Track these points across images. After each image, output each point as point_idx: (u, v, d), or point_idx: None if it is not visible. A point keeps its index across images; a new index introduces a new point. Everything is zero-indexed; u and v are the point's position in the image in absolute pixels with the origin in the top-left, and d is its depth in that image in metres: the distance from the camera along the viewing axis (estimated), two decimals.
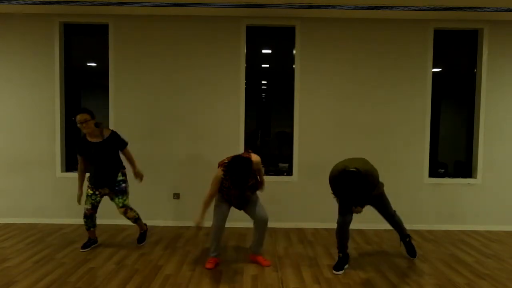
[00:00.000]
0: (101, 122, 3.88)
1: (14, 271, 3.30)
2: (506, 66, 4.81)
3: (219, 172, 3.36)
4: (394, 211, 3.65)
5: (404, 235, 3.76)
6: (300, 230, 4.73)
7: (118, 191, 3.80)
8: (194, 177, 4.84)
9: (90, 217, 3.84)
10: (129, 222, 4.75)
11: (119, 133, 3.87)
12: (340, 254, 3.48)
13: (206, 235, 4.48)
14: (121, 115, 4.83)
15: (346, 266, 3.47)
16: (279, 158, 5.09)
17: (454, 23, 4.78)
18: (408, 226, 4.67)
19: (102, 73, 4.89)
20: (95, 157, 3.73)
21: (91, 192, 3.81)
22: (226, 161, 3.36)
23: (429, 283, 3.20)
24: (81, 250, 3.84)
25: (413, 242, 3.86)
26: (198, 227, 3.25)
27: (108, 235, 4.36)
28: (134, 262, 3.55)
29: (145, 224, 4.13)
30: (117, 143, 3.81)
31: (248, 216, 3.56)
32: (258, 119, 5.22)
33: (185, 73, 4.81)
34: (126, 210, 3.83)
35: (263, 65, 5.25)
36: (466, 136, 5.07)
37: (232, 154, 3.47)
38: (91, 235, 3.95)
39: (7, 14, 4.75)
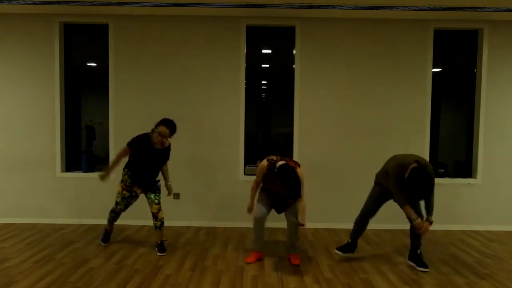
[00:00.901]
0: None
1: (14, 271, 3.30)
2: (506, 66, 4.81)
3: (264, 163, 3.49)
4: (421, 213, 3.48)
5: (417, 248, 3.57)
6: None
7: (156, 189, 3.84)
8: (194, 177, 4.84)
9: (118, 214, 3.96)
10: (128, 222, 4.75)
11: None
12: (350, 240, 3.74)
13: (206, 234, 4.48)
14: (121, 115, 4.83)
15: (350, 253, 3.71)
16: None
17: (454, 23, 4.78)
18: (408, 226, 4.67)
19: (102, 73, 4.89)
20: (149, 161, 3.71)
21: (128, 194, 3.82)
22: (274, 159, 3.47)
23: (429, 283, 3.20)
24: (102, 243, 3.99)
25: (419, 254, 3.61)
26: (250, 211, 3.63)
27: None
28: (134, 262, 3.55)
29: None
30: (167, 155, 3.86)
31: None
32: (258, 119, 5.22)
33: (185, 73, 4.82)
34: (160, 208, 3.82)
35: (263, 65, 5.25)
36: (466, 136, 5.07)
37: (281, 156, 3.55)
38: (109, 227, 4.04)
39: (7, 14, 4.75)
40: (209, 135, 4.84)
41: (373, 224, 4.71)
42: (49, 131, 4.84)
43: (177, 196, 4.87)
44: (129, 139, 3.91)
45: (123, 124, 4.81)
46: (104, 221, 4.63)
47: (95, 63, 5.24)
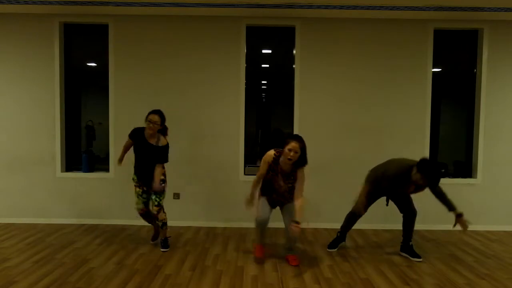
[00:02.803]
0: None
1: (14, 271, 3.30)
2: (506, 66, 4.81)
3: (271, 152, 3.51)
4: (416, 211, 3.79)
5: (409, 240, 3.81)
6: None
7: (157, 190, 3.80)
8: (194, 177, 4.84)
9: (146, 215, 3.90)
10: (128, 222, 4.75)
11: (168, 149, 3.83)
12: (339, 234, 4.00)
13: (206, 235, 4.48)
14: (121, 115, 4.83)
15: (342, 243, 4.01)
16: None
17: (454, 23, 4.78)
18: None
19: (102, 73, 4.89)
20: (144, 155, 3.75)
21: (140, 190, 3.84)
22: (281, 150, 3.45)
23: (429, 283, 3.20)
24: (162, 250, 3.84)
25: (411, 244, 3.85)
26: (249, 205, 3.60)
27: (108, 235, 4.36)
28: (134, 262, 3.55)
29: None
30: (161, 155, 3.77)
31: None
32: (258, 119, 5.22)
33: (185, 73, 4.81)
34: (160, 209, 3.80)
35: (263, 65, 5.25)
36: (466, 136, 5.07)
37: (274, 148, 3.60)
38: (153, 225, 4.02)
39: (7, 14, 4.75)
40: (209, 135, 4.84)
41: (373, 224, 4.73)
42: (49, 131, 4.84)
43: (177, 196, 4.87)
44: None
45: (123, 124, 4.79)
46: (104, 221, 4.67)
47: (95, 63, 5.24)
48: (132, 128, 3.91)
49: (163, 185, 3.84)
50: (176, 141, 4.83)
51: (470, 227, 4.85)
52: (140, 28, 4.78)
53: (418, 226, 4.77)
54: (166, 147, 3.81)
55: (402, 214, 3.83)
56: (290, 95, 4.87)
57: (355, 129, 4.84)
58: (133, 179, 3.88)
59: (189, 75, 4.82)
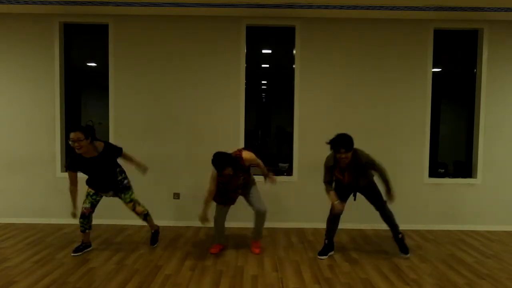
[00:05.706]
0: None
1: (14, 271, 3.30)
2: (506, 66, 4.81)
3: (213, 171, 3.64)
4: (385, 202, 3.75)
5: (397, 232, 3.81)
6: (300, 230, 4.73)
7: (123, 188, 3.79)
8: (194, 177, 4.84)
9: (87, 217, 3.75)
10: (128, 222, 4.75)
11: (110, 142, 3.82)
12: (326, 241, 3.86)
13: (206, 235, 4.48)
14: (121, 115, 4.83)
15: (331, 253, 3.84)
16: (279, 158, 5.10)
17: (454, 23, 4.78)
18: (408, 226, 4.67)
19: (102, 73, 4.89)
20: (94, 170, 3.64)
21: (92, 191, 3.77)
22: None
23: (429, 283, 3.20)
24: (72, 254, 3.70)
25: (406, 241, 3.88)
26: (204, 222, 3.69)
27: (108, 235, 4.36)
28: (134, 262, 3.55)
29: (156, 225, 4.11)
30: (113, 153, 3.70)
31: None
32: (258, 119, 5.22)
33: (185, 73, 4.82)
34: (134, 204, 3.83)
35: (263, 65, 5.25)
36: (466, 136, 5.07)
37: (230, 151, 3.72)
38: (85, 238, 3.83)
39: (7, 14, 4.75)
40: (209, 135, 4.84)
41: (373, 224, 4.73)
42: (49, 131, 4.84)
43: (177, 196, 4.87)
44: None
45: (123, 124, 4.81)
46: (104, 221, 4.66)
47: (95, 63, 5.24)
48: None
49: (125, 181, 3.81)
50: (176, 141, 4.85)
51: (470, 227, 4.89)
52: (140, 28, 4.78)
53: (418, 226, 4.82)
54: (107, 144, 3.68)
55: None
56: (290, 95, 4.87)
57: (355, 129, 4.82)
58: (87, 183, 3.76)
59: (189, 75, 4.82)
